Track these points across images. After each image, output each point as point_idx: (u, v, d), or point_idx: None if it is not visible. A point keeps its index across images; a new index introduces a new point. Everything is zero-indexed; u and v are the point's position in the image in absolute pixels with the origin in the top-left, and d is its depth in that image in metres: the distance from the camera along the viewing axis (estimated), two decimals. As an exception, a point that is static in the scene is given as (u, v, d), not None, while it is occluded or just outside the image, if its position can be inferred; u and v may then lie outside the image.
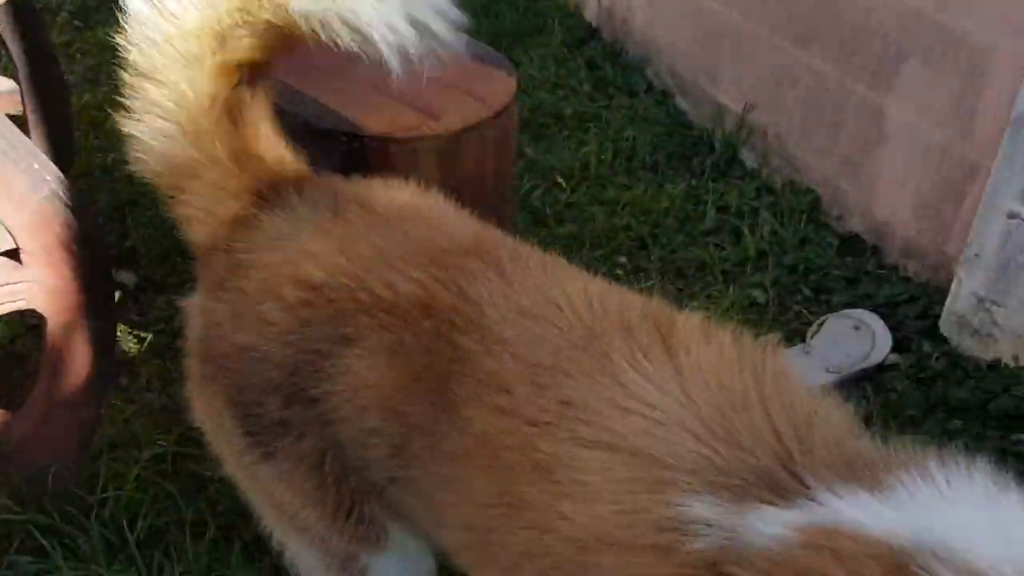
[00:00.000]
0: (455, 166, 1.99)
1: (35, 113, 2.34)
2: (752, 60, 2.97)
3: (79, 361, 1.76)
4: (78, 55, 3.71)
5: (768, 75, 2.92)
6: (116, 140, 3.06)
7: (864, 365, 2.30)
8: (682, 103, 3.40)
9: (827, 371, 2.27)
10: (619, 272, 2.66)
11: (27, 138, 1.59)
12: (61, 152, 2.43)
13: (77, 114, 3.25)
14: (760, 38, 2.90)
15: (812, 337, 2.38)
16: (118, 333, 2.34)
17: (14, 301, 1.65)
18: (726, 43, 3.08)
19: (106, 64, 3.53)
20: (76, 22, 3.93)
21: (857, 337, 2.36)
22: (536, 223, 2.82)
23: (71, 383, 1.77)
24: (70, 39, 3.79)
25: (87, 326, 1.73)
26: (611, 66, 3.63)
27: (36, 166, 1.54)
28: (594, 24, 3.91)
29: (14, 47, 2.29)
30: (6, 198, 1.54)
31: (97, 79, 3.50)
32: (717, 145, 3.15)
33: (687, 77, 3.34)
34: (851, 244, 2.70)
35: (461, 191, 2.02)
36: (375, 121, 1.94)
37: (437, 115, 1.98)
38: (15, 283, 1.64)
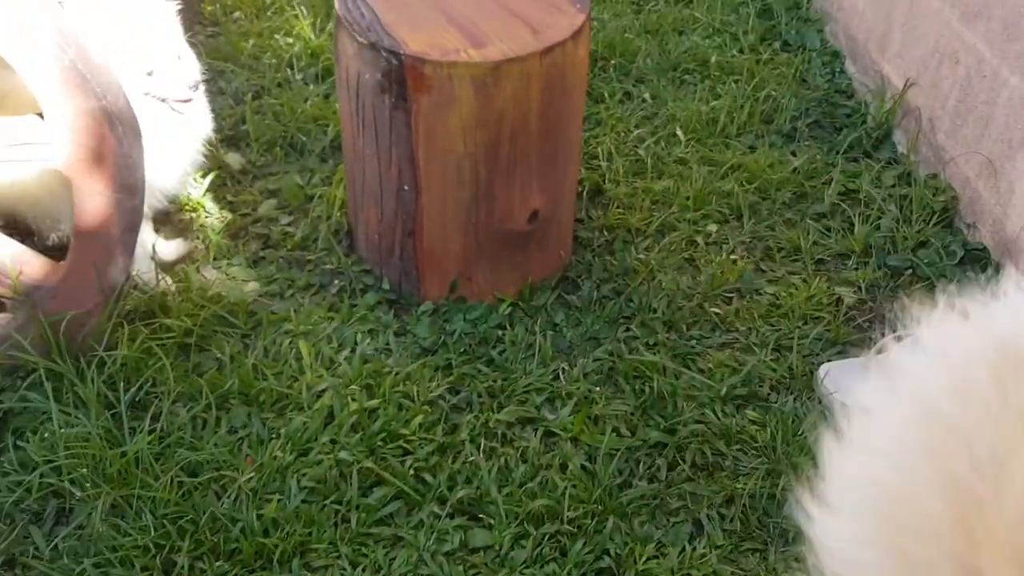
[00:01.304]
0: (493, 99, 1.91)
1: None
2: (918, 30, 2.60)
3: (105, 227, 1.88)
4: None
5: (931, 50, 2.54)
6: (252, 30, 3.19)
7: (930, 395, 2.01)
8: (850, 68, 3.05)
9: (881, 392, 2.00)
10: (700, 241, 2.47)
11: (55, 2, 1.67)
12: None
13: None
14: (931, 5, 2.52)
15: (879, 352, 2.10)
16: (212, 210, 2.51)
17: (38, 159, 1.78)
18: (899, 6, 2.71)
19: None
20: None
21: (934, 362, 2.06)
22: (634, 173, 2.67)
23: (97, 246, 1.91)
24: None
25: (113, 197, 1.85)
26: (789, 18, 3.32)
27: (56, 35, 1.63)
28: (787, -31, 3.57)
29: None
30: (32, 62, 1.66)
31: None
32: (870, 120, 2.81)
33: (860, 40, 2.98)
34: (975, 257, 2.35)
35: (500, 126, 1.96)
36: (416, 40, 1.89)
37: (482, 42, 1.90)
38: (40, 142, 1.77)
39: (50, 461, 1.82)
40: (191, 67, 2.09)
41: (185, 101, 2.02)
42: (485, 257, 2.18)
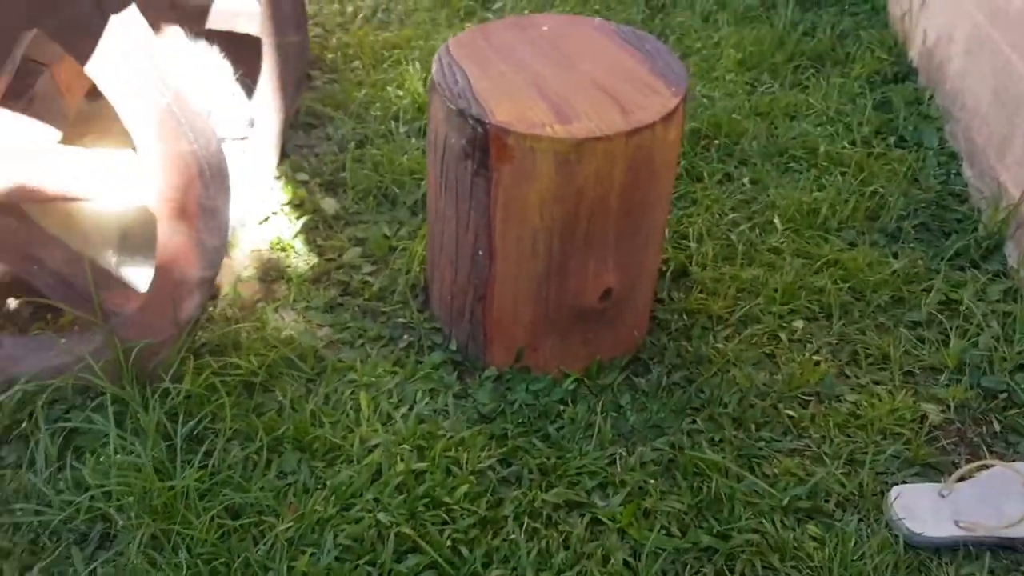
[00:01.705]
0: (574, 175, 1.89)
1: (271, 37, 2.57)
2: (1044, 140, 2.45)
3: (184, 263, 1.94)
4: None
5: (1055, 162, 2.40)
6: (367, 81, 3.28)
7: (1012, 533, 1.86)
8: (967, 171, 2.91)
9: (957, 524, 1.86)
10: (783, 336, 2.37)
11: (160, 48, 1.75)
12: (287, 78, 2.66)
13: (339, 47, 3.54)
14: (1058, 116, 2.38)
15: (959, 480, 1.96)
16: (301, 252, 2.56)
17: (128, 194, 1.86)
18: (1023, 113, 2.57)
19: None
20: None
21: (1022, 499, 1.90)
22: (723, 257, 2.60)
23: (175, 281, 1.97)
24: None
25: (195, 236, 1.90)
26: (908, 112, 3.20)
27: (155, 79, 1.71)
28: (914, 64, 3.46)
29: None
30: (132, 103, 1.73)
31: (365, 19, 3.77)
32: (981, 228, 2.66)
33: (979, 143, 2.84)
34: (1081, 389, 2.17)
35: (579, 202, 1.94)
36: (504, 111, 1.90)
37: (569, 118, 1.89)
38: (132, 179, 1.84)
39: (102, 485, 1.86)
40: (246, 105, 2.14)
41: (241, 139, 2.07)
42: (554, 330, 2.15)
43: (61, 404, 2.06)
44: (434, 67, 2.04)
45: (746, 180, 2.90)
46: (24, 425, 2.01)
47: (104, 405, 1.99)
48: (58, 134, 1.90)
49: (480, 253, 2.06)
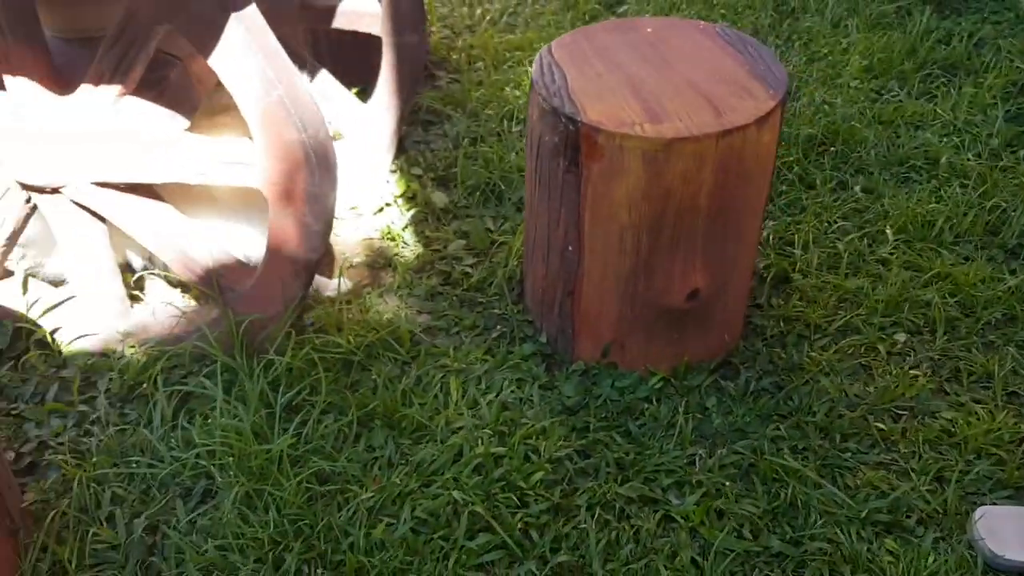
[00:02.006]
0: (662, 174, 1.92)
1: (390, 37, 2.70)
2: None
3: (290, 245, 2.08)
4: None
5: None
6: (487, 81, 3.38)
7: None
8: (1105, 188, 2.75)
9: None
10: (882, 349, 2.31)
11: (276, 44, 1.89)
12: (403, 77, 2.79)
13: (464, 49, 3.65)
14: None
15: (1056, 507, 1.87)
16: (408, 242, 2.69)
17: (243, 178, 2.01)
18: None
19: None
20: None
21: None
22: (828, 267, 2.55)
23: (283, 262, 2.12)
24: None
25: (301, 220, 2.04)
26: (1045, 124, 3.04)
27: (269, 73, 1.85)
28: (1058, 72, 3.28)
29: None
30: (248, 93, 1.88)
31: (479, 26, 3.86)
32: (1114, 249, 2.51)
33: (1119, 158, 2.68)
34: None
35: (667, 202, 1.96)
36: (596, 110, 1.94)
37: (660, 118, 1.92)
38: (247, 164, 1.99)
39: (207, 445, 2.02)
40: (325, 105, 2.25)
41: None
42: (640, 327, 2.18)
43: (179, 369, 2.24)
44: (534, 67, 2.11)
45: (860, 189, 2.83)
46: (145, 386, 2.20)
47: (215, 372, 2.15)
48: (186, 122, 2.08)
49: (570, 248, 2.12)
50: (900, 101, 3.23)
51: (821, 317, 2.40)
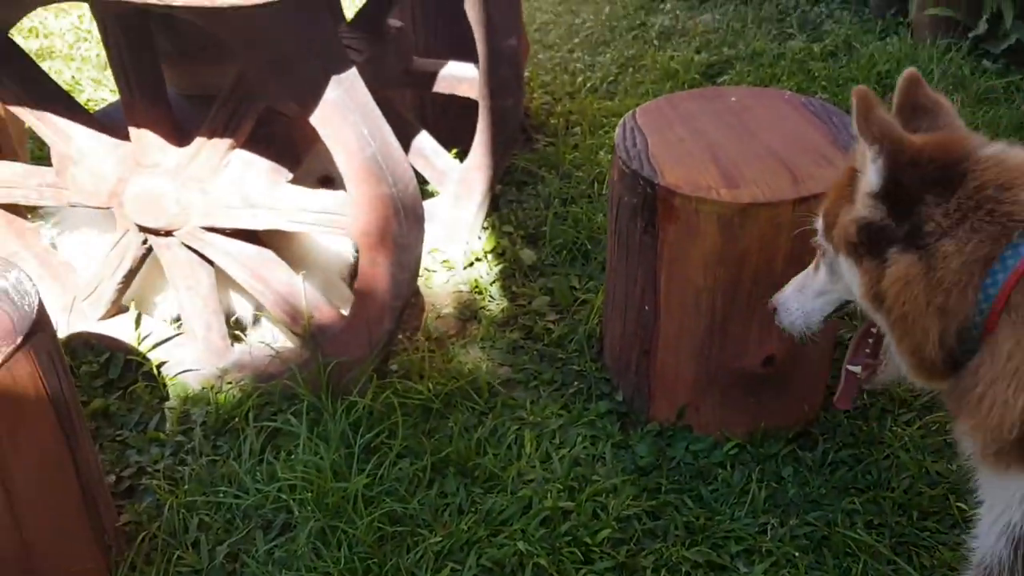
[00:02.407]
0: (737, 238, 1.95)
1: (486, 100, 2.83)
2: None
3: (379, 292, 2.19)
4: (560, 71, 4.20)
5: None
6: (583, 145, 3.46)
7: None
8: None
9: None
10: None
11: (372, 104, 2.02)
12: (498, 139, 2.90)
13: (563, 114, 3.75)
14: None
15: None
16: (495, 296, 2.78)
17: (338, 227, 2.14)
18: None
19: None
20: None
21: None
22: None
23: (371, 307, 2.22)
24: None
25: (389, 268, 2.15)
26: None
27: (364, 131, 1.97)
28: None
29: (480, 37, 2.77)
30: (344, 149, 2.01)
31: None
32: None
33: None
34: None
35: (743, 266, 1.99)
36: (673, 173, 2.00)
37: (737, 183, 1.96)
38: (342, 215, 2.12)
39: (289, 480, 2.12)
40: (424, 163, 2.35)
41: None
42: (715, 390, 2.18)
43: (270, 406, 2.36)
44: (617, 131, 2.18)
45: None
46: (237, 420, 2.32)
47: (302, 411, 2.26)
48: (289, 174, 2.23)
49: (647, 308, 2.15)
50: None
51: (906, 391, 2.35)
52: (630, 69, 4.25)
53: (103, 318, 2.50)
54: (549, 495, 2.10)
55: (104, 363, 2.51)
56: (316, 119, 2.00)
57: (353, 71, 2.00)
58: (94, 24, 4.83)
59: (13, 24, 2.21)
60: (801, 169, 1.99)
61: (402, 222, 2.07)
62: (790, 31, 4.51)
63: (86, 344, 2.52)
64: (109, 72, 4.33)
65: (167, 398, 2.45)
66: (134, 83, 2.11)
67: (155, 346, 2.51)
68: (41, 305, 1.69)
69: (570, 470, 2.17)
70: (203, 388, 2.44)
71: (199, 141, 2.14)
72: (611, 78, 4.14)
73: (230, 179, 2.16)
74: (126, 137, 2.21)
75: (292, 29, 1.90)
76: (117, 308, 2.53)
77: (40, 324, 1.67)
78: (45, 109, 2.22)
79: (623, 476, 2.16)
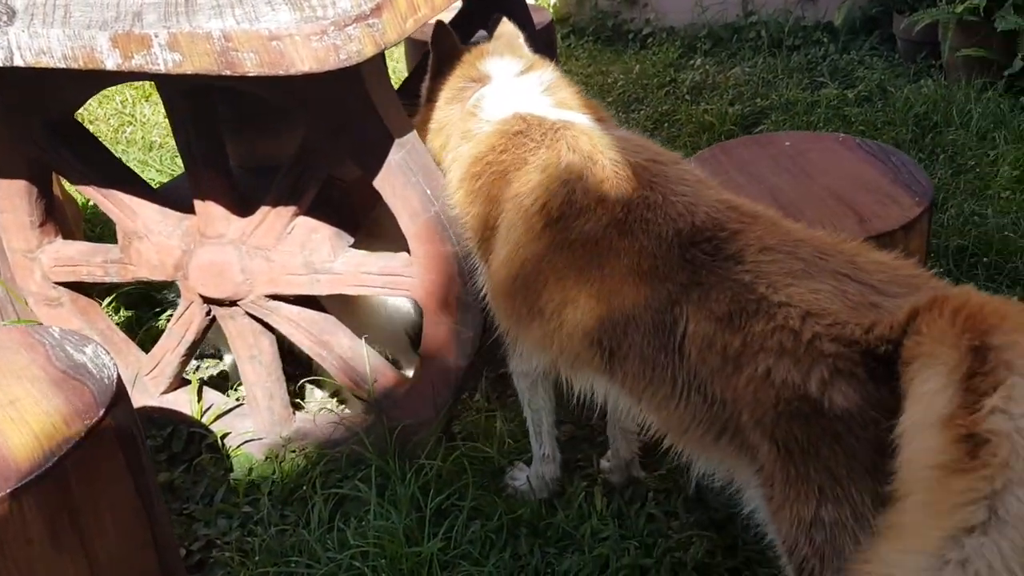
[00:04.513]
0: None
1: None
2: None
3: (443, 352, 2.19)
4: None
5: None
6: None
7: None
8: None
9: None
10: None
11: (433, 165, 2.04)
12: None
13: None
14: None
15: None
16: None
17: (401, 289, 2.14)
18: None
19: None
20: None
21: None
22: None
23: (437, 368, 2.22)
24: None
25: (453, 328, 2.15)
26: None
27: (428, 191, 1.99)
28: None
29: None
30: (407, 210, 2.03)
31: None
32: None
33: None
34: None
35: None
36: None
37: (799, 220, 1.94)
38: (405, 276, 2.12)
39: (360, 547, 2.09)
40: None
41: None
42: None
43: (336, 473, 2.34)
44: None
45: (1015, 300, 2.73)
46: (304, 489, 2.31)
47: (369, 476, 2.24)
48: (350, 239, 2.25)
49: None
50: (1058, 210, 3.13)
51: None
52: (665, 124, 4.28)
53: (166, 391, 2.51)
54: (627, 553, 2.05)
55: (167, 437, 2.52)
56: (379, 181, 2.02)
57: (413, 133, 2.03)
58: (137, 108, 4.99)
59: (81, 105, 2.27)
60: (866, 209, 1.98)
61: (466, 281, 2.08)
62: (821, 79, 4.54)
63: (148, 418, 2.53)
64: (153, 153, 4.45)
65: (232, 469, 2.44)
66: (198, 155, 2.15)
67: (217, 417, 2.51)
68: (119, 377, 1.70)
69: (645, 526, 2.12)
70: (267, 457, 2.43)
71: (264, 209, 2.16)
72: (647, 133, 4.16)
73: (294, 246, 2.18)
74: (189, 211, 2.25)
75: (356, 92, 1.94)
76: (179, 381, 2.54)
77: (119, 396, 1.68)
78: (111, 187, 2.26)
79: (697, 531, 2.11)
